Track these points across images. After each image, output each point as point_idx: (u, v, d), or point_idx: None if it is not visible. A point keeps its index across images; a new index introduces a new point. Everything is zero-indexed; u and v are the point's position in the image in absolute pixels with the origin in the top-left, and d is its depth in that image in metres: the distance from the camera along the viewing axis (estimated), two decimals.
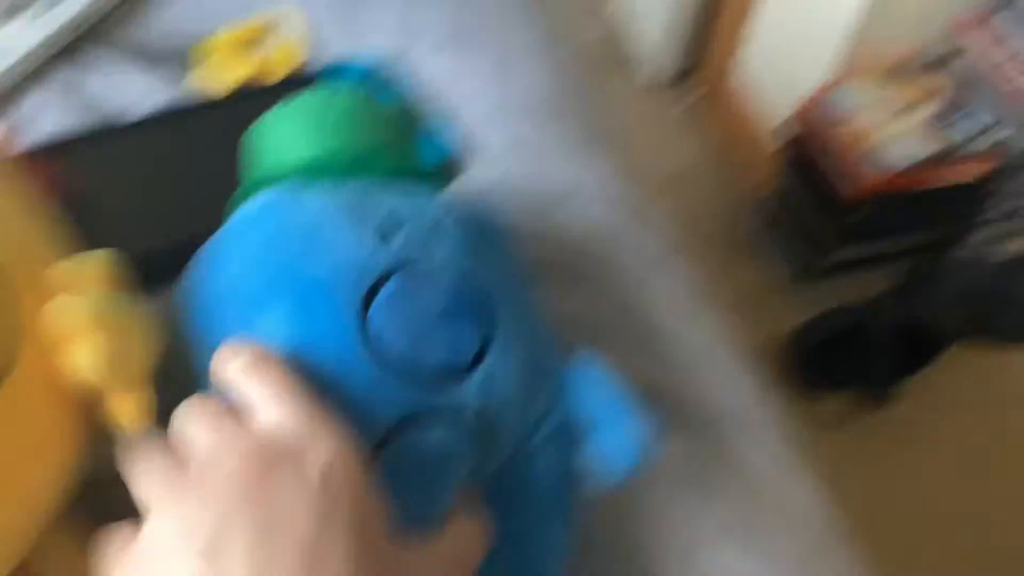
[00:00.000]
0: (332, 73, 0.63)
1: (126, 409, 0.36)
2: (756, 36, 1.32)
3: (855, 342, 1.20)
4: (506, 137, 0.62)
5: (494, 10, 0.72)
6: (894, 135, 1.13)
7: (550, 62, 0.70)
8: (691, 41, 1.49)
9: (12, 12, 0.59)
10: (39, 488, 0.36)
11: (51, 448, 0.36)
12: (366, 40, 0.66)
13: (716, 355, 0.55)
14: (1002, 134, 1.14)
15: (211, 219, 0.52)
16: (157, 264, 0.48)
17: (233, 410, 0.35)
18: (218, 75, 0.63)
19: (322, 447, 0.33)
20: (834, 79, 1.18)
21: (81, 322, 0.34)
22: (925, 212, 1.20)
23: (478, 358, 0.39)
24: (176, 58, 0.62)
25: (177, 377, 0.38)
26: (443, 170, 0.60)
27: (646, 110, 1.54)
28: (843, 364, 1.20)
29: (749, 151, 1.39)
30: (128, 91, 0.60)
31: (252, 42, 0.65)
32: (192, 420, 0.34)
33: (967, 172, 1.15)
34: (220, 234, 0.42)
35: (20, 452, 0.34)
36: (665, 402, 0.51)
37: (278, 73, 0.64)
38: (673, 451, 0.49)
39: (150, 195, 0.55)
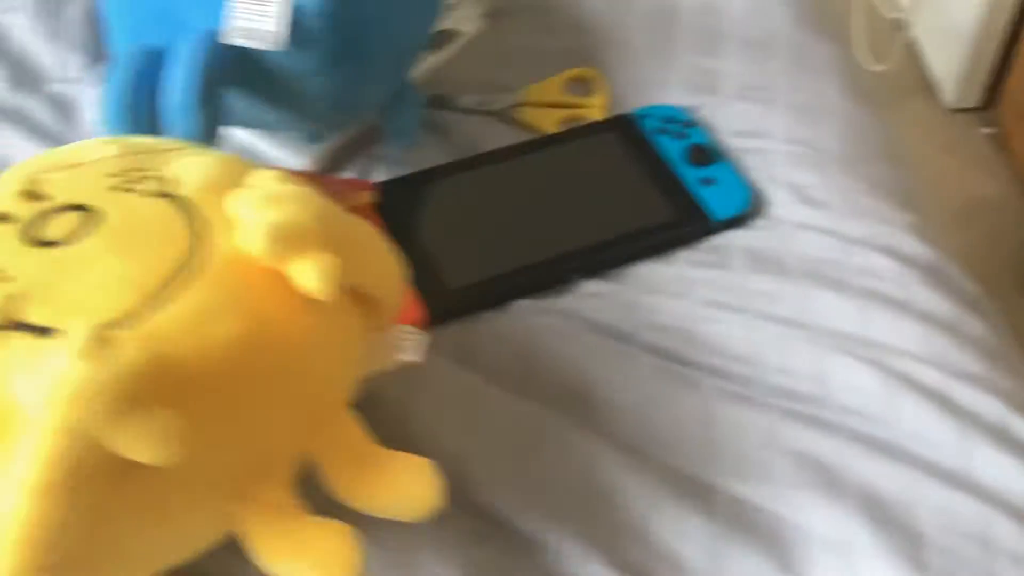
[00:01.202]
0: (640, 117, 0.70)
1: (305, 276, 0.41)
2: None
3: None
4: (799, 187, 0.67)
5: (790, 57, 0.76)
6: None
7: (846, 110, 0.74)
8: (993, 65, 1.44)
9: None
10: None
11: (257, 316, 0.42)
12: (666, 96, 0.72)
13: None
14: None
15: (533, 250, 0.62)
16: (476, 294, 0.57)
17: None
18: (542, 115, 0.71)
19: None
20: None
21: (248, 206, 0.42)
22: None
23: None
24: (510, 98, 0.72)
25: None
26: (737, 218, 0.65)
27: (948, 136, 1.50)
28: None
29: None
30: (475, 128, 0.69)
31: (567, 87, 0.73)
32: None
33: None
34: None
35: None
36: None
37: (591, 115, 0.72)
38: None
39: (479, 226, 0.64)
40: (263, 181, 0.45)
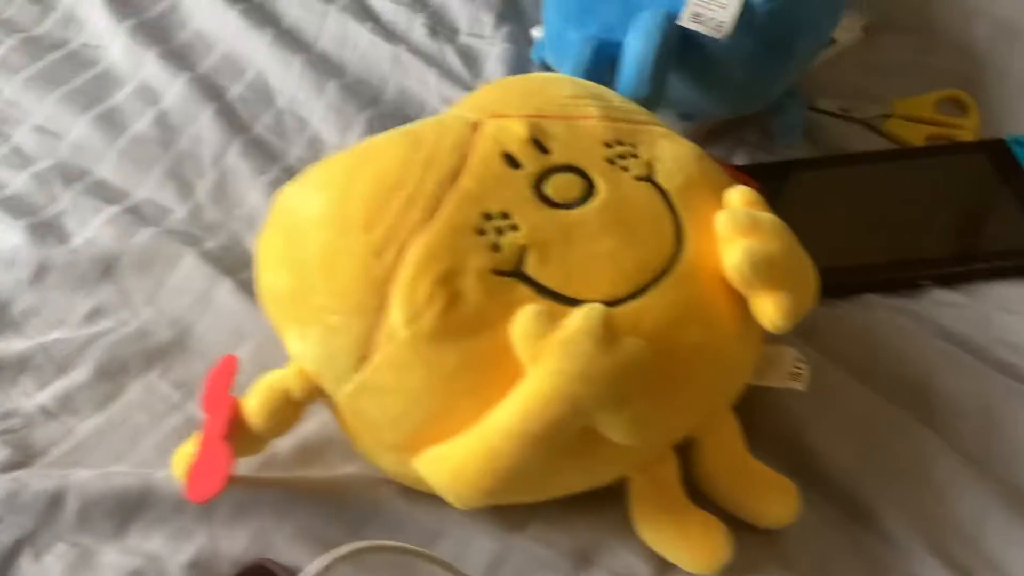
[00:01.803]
0: (1013, 143, 0.69)
1: (766, 309, 0.46)
2: None
3: None
4: None
5: None
6: None
7: None
8: None
9: None
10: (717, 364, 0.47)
11: (715, 325, 0.46)
12: None
13: None
14: None
15: (889, 250, 0.63)
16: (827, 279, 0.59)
17: None
18: (910, 129, 0.72)
19: None
20: None
21: (734, 228, 0.46)
22: None
23: None
24: (878, 108, 0.73)
25: None
26: None
27: None
28: None
29: None
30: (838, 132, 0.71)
31: (939, 106, 0.74)
32: None
33: None
34: None
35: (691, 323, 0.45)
36: None
37: (962, 136, 0.72)
38: None
39: (831, 221, 0.66)
40: (740, 199, 0.49)
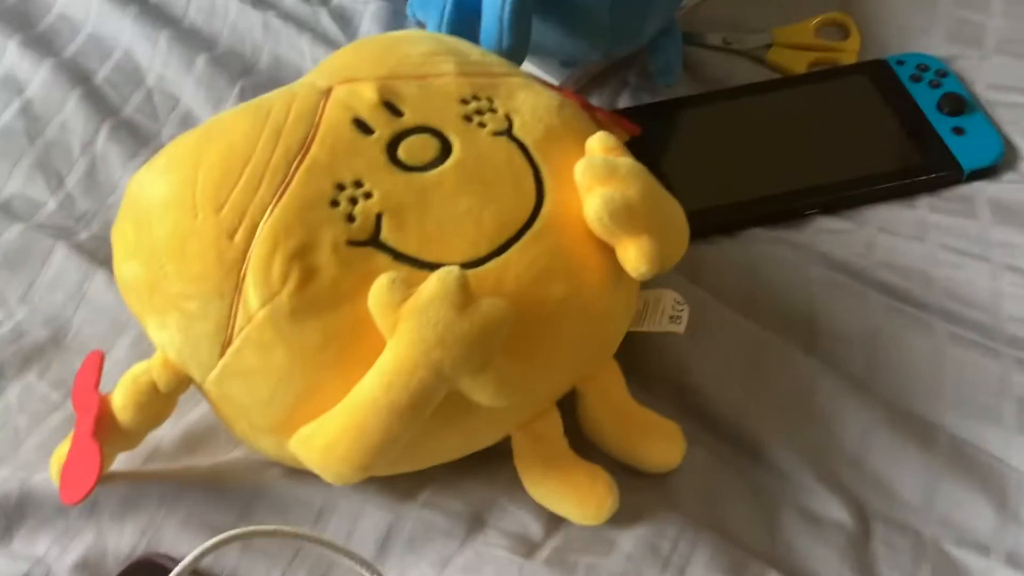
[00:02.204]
0: (894, 63, 0.69)
1: (629, 256, 0.45)
2: None
3: None
4: None
5: None
6: None
7: None
8: None
9: None
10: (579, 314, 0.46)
11: (580, 276, 0.45)
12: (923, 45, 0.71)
13: None
14: None
15: (772, 182, 0.63)
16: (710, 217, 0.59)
17: None
18: (792, 57, 0.72)
19: None
20: None
21: (592, 176, 0.45)
22: None
23: None
24: (760, 39, 0.72)
25: None
26: (986, 170, 0.63)
27: None
28: None
29: None
30: (721, 66, 0.71)
31: (819, 31, 0.73)
32: None
33: None
34: None
35: (553, 275, 0.45)
36: None
37: (844, 60, 0.71)
38: None
39: (717, 158, 0.66)
40: (599, 146, 0.47)
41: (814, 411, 0.53)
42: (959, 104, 0.66)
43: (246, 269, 0.43)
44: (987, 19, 0.73)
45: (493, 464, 0.49)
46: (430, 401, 0.41)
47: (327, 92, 0.48)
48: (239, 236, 0.43)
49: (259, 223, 0.43)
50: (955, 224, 0.61)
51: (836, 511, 0.49)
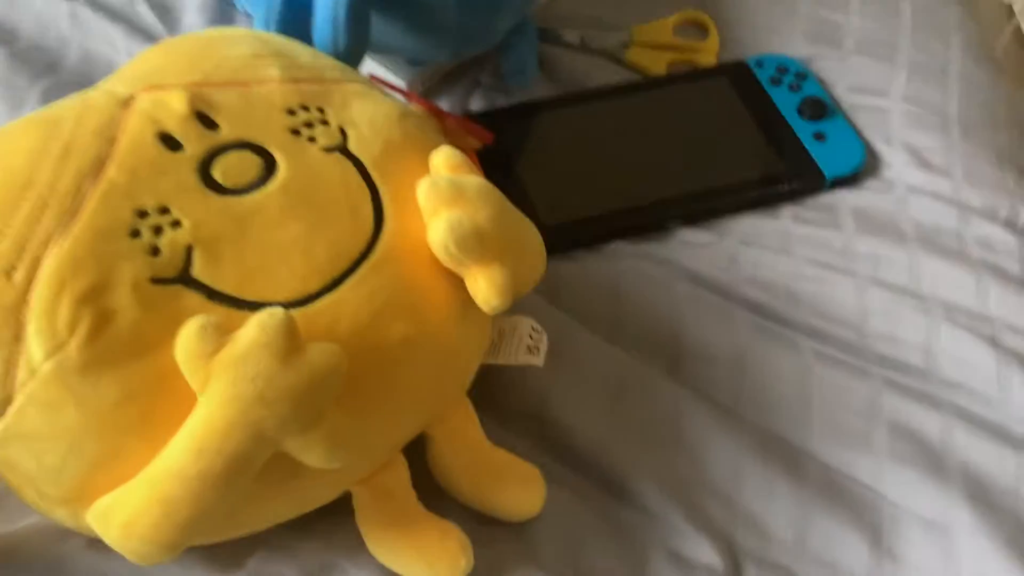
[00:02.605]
0: (754, 65, 0.66)
1: (479, 287, 0.40)
2: None
3: None
4: (916, 149, 0.63)
5: (915, 16, 0.72)
6: None
7: (971, 74, 0.69)
8: None
9: None
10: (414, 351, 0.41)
11: (425, 312, 0.41)
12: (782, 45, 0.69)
13: None
14: None
15: (633, 193, 0.59)
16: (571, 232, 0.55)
17: None
18: (651, 56, 0.68)
19: None
20: None
21: (436, 199, 0.40)
22: None
23: None
24: (618, 37, 0.69)
25: None
26: (849, 177, 0.62)
27: None
28: None
29: None
30: (578, 66, 0.67)
31: (678, 30, 0.70)
32: None
33: None
34: None
35: (396, 309, 0.39)
36: None
37: (703, 60, 0.69)
38: None
39: (576, 166, 0.62)
40: (444, 163, 0.42)
41: (681, 442, 0.49)
42: (820, 108, 0.64)
43: (28, 315, 0.36)
44: (846, 18, 0.72)
45: (332, 520, 0.43)
46: (249, 467, 0.36)
47: (128, 101, 0.41)
48: (19, 275, 0.36)
49: (42, 258, 0.37)
50: (819, 235, 0.59)
51: (706, 553, 0.46)
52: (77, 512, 0.38)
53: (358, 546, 0.43)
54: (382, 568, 0.43)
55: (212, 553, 0.42)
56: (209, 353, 0.35)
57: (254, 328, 0.35)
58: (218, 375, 0.35)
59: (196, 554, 0.42)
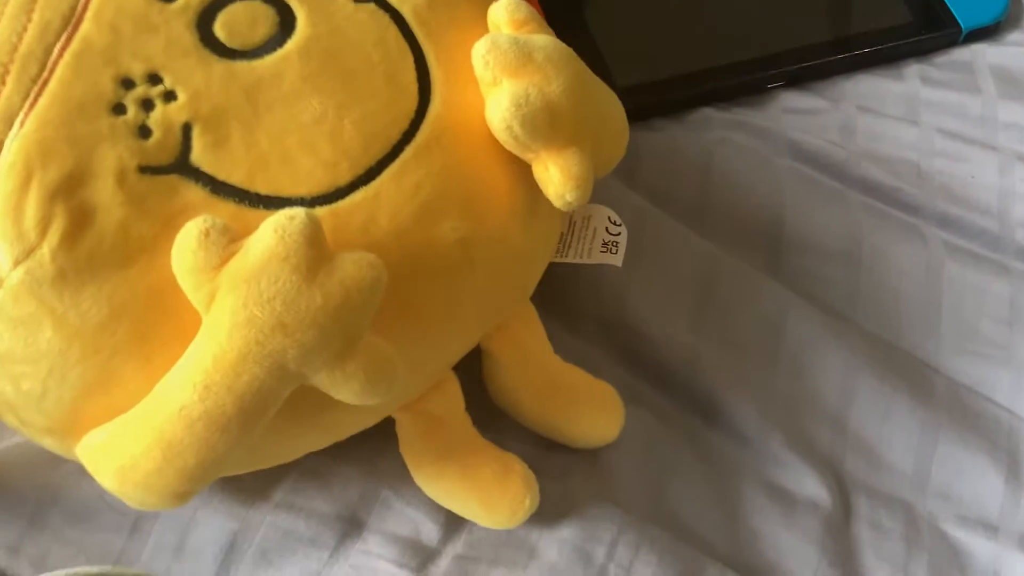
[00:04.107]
0: None
1: (550, 177, 0.32)
2: None
3: None
4: None
5: None
6: None
7: None
8: None
9: None
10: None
11: (482, 207, 0.33)
12: None
13: None
14: None
15: (725, 49, 0.49)
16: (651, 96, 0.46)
17: None
18: None
19: None
20: None
21: (497, 65, 0.32)
22: None
23: None
24: None
25: None
26: (989, 28, 0.51)
27: None
28: None
29: None
30: None
31: None
32: None
33: None
34: None
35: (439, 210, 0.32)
36: None
37: None
38: None
39: (659, 19, 0.52)
40: (507, 18, 0.33)
41: (781, 353, 0.42)
42: None
43: None
44: None
45: (373, 444, 0.37)
46: (268, 406, 0.29)
47: None
48: None
49: (2, 141, 0.29)
50: (953, 100, 0.49)
51: (810, 485, 0.39)
52: (67, 444, 0.32)
53: (403, 475, 0.37)
54: (432, 501, 0.36)
55: (232, 479, 0.36)
56: (214, 265, 0.28)
57: (270, 234, 0.28)
58: (226, 294, 0.28)
59: (214, 482, 0.36)
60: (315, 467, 0.37)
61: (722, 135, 0.47)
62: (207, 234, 0.28)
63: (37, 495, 0.36)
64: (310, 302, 0.28)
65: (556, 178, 0.32)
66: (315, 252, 0.28)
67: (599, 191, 0.42)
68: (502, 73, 0.32)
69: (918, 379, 0.42)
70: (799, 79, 0.50)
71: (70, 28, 0.31)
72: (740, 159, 0.47)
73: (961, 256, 0.44)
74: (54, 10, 0.31)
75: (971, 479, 0.40)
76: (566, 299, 0.41)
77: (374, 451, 0.37)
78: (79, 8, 0.31)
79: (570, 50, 0.33)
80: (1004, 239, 0.45)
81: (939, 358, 0.42)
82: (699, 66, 0.49)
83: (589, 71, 0.34)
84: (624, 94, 0.45)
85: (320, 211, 0.30)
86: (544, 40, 0.33)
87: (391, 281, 0.30)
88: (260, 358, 0.28)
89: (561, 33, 0.47)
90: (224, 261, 0.28)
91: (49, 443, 0.33)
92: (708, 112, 0.48)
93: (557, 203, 0.33)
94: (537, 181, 0.33)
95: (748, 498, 0.39)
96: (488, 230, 0.33)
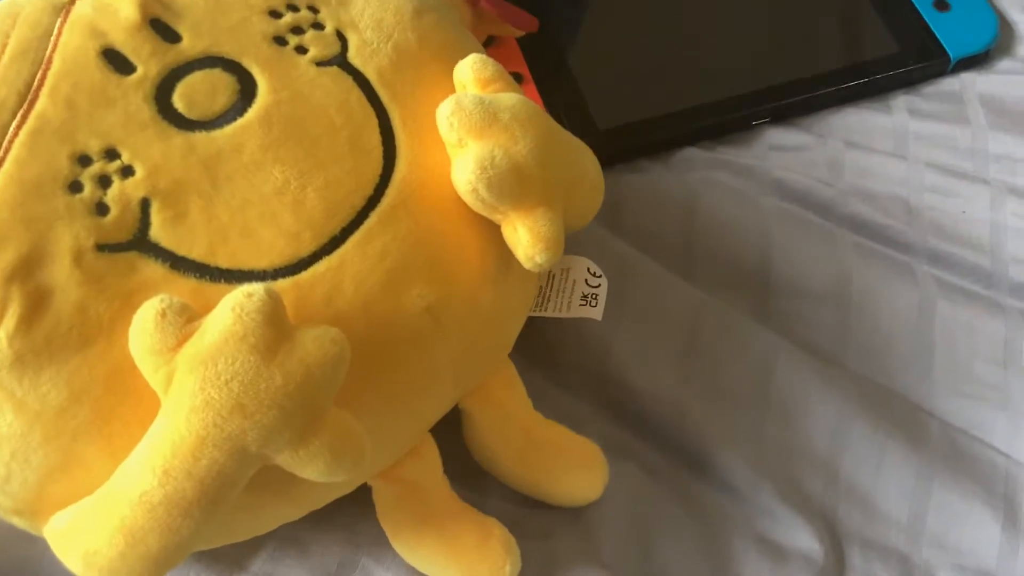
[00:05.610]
0: None
1: (519, 239, 0.32)
2: None
3: None
4: None
5: None
6: None
7: None
8: None
9: None
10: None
11: (451, 271, 0.32)
12: None
13: None
14: None
15: (708, 87, 0.49)
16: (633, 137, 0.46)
17: None
18: None
19: None
20: None
21: (461, 126, 0.31)
22: None
23: None
24: None
25: None
26: (978, 57, 0.50)
27: None
28: None
29: None
30: None
31: None
32: None
33: None
34: None
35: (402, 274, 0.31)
36: None
37: None
38: None
39: (641, 56, 0.51)
40: (472, 76, 0.33)
41: (771, 401, 0.41)
42: None
43: None
44: None
45: (352, 509, 0.36)
46: (229, 488, 0.28)
47: (65, 9, 0.32)
48: None
49: None
50: (942, 132, 0.48)
51: (802, 537, 0.38)
52: (35, 524, 0.32)
53: (382, 541, 0.36)
54: (412, 568, 0.36)
55: (210, 550, 0.36)
56: (171, 346, 0.27)
57: (227, 313, 0.27)
58: (184, 376, 0.27)
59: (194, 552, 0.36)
60: (294, 535, 0.36)
61: (707, 175, 0.47)
62: (163, 314, 0.28)
63: (18, 568, 0.36)
64: (269, 382, 0.27)
65: (525, 239, 0.32)
66: (274, 330, 0.27)
67: (581, 236, 0.41)
68: (467, 135, 0.31)
69: (912, 424, 0.40)
70: (784, 114, 0.49)
71: (26, 105, 0.30)
72: (726, 200, 0.46)
73: (953, 294, 0.43)
74: (10, 87, 0.31)
75: (968, 527, 0.39)
76: (549, 351, 0.41)
77: (354, 516, 0.37)
78: (35, 84, 0.31)
79: (538, 108, 0.33)
80: (996, 275, 0.44)
81: (933, 401, 0.41)
82: (682, 105, 0.48)
83: (559, 127, 0.33)
84: (607, 136, 0.45)
85: (283, 283, 0.30)
86: (511, 99, 0.32)
87: (358, 352, 0.29)
88: (219, 441, 0.27)
89: (543, 77, 0.47)
90: (182, 341, 0.27)
91: (18, 522, 0.33)
92: (692, 152, 0.48)
93: (527, 264, 0.32)
94: (507, 242, 0.32)
95: (739, 553, 0.38)
96: (458, 294, 0.32)
